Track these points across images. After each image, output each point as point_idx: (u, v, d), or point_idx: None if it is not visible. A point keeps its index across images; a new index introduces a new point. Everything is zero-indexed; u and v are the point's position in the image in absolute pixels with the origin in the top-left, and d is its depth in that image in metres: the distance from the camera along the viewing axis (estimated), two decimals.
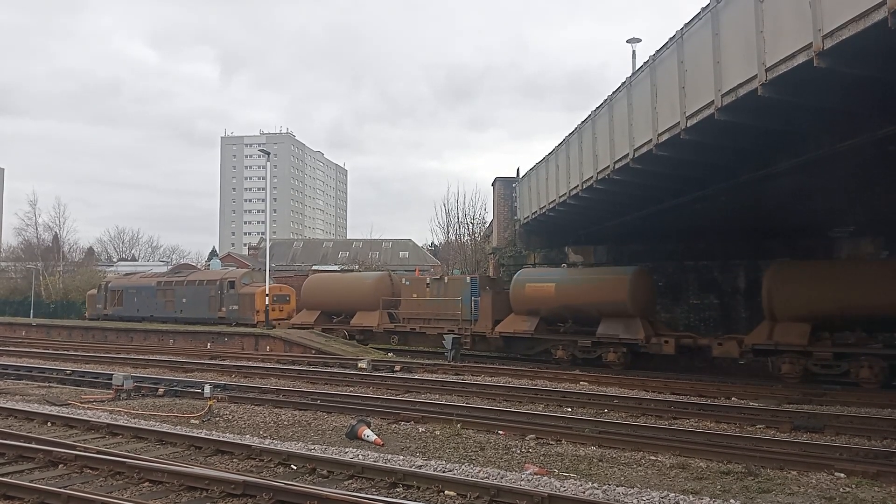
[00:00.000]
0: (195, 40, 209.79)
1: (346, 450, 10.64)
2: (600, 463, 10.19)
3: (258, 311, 33.74)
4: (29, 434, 11.49)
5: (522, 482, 8.61)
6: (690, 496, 8.13)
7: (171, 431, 11.68)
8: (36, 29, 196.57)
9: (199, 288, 36.79)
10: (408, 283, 29.15)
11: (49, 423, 12.94)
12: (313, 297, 32.72)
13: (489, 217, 43.27)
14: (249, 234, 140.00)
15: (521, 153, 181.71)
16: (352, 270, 37.18)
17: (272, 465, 9.64)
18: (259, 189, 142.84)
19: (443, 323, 27.27)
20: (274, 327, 32.21)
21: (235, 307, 34.76)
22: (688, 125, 13.06)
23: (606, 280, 23.97)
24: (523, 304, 25.56)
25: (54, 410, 14.16)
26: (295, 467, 9.48)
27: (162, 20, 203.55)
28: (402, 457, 10.25)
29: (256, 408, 14.71)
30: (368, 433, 11.65)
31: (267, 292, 33.80)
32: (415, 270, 40.18)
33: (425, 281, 28.67)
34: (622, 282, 23.31)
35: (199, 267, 76.64)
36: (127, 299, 40.25)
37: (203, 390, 15.00)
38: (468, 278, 27.95)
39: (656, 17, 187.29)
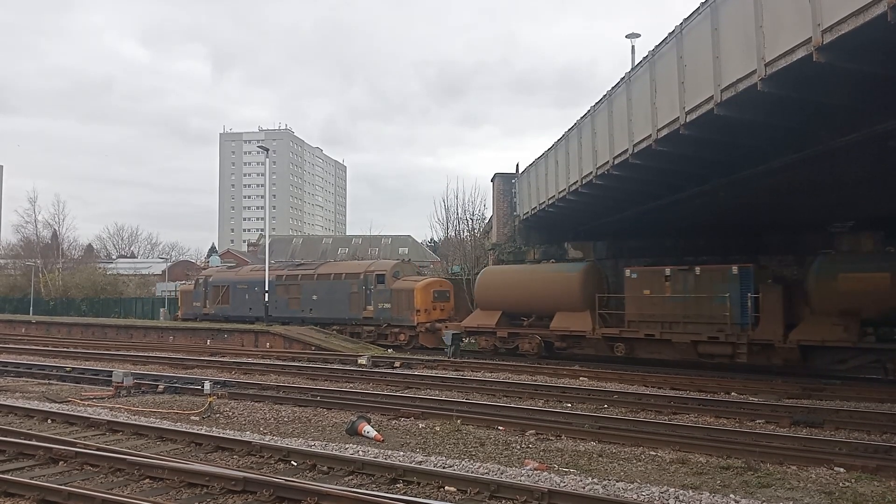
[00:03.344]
0: (186, 38, 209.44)
1: (347, 446, 10.65)
2: (600, 458, 10.21)
3: (418, 311, 28.61)
4: (29, 431, 11.49)
5: (522, 478, 8.62)
6: (690, 491, 8.14)
7: (172, 428, 11.69)
8: (26, 27, 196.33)
9: (336, 283, 31.35)
10: (635, 275, 22.62)
11: (49, 421, 12.95)
12: (492, 295, 27.00)
13: (489, 213, 43.22)
14: (249, 230, 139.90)
15: (515, 149, 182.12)
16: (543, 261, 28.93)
17: (272, 462, 9.65)
18: (258, 185, 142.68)
19: (698, 327, 20.93)
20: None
21: (387, 305, 29.50)
22: (687, 120, 13.03)
23: None
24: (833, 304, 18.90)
25: (54, 407, 14.17)
26: (295, 463, 9.49)
27: (152, 18, 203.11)
28: (402, 453, 10.27)
29: (256, 404, 14.72)
30: (368, 429, 11.67)
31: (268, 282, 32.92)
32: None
33: (664, 273, 22.02)
34: None
35: (198, 264, 76.71)
36: (235, 296, 35.01)
37: (203, 387, 15.03)
38: (735, 268, 20.78)
39: (645, 15, 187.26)
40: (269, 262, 34.69)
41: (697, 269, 21.51)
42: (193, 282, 38.14)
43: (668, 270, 22.03)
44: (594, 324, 23.52)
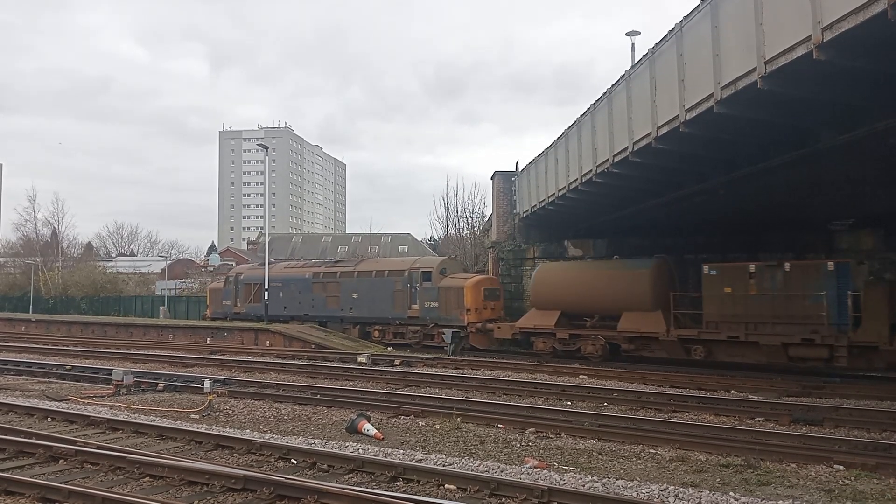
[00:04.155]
0: (184, 37, 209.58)
1: (347, 444, 10.66)
2: (600, 456, 10.22)
3: (468, 310, 26.90)
4: (29, 429, 11.50)
5: (522, 475, 8.63)
6: (690, 489, 8.14)
7: (172, 426, 11.69)
8: (24, 27, 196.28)
9: (379, 281, 29.71)
10: (714, 272, 20.77)
11: (49, 419, 12.96)
12: (549, 294, 25.07)
13: (488, 211, 43.23)
14: (248, 228, 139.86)
15: (513, 148, 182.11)
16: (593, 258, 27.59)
17: (272, 460, 9.65)
18: (258, 184, 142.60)
19: (789, 328, 19.12)
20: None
21: (434, 304, 27.80)
22: (687, 118, 13.03)
23: None
24: None
25: (54, 406, 14.17)
26: (295, 462, 9.50)
27: (150, 17, 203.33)
28: (402, 451, 10.27)
29: (256, 402, 14.72)
30: (368, 427, 11.67)
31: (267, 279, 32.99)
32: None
33: (747, 269, 20.15)
34: None
35: (198, 262, 76.75)
36: (269, 294, 33.66)
37: (203, 385, 15.05)
38: (832, 264, 19.08)
39: (642, 14, 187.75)
40: (306, 260, 33.87)
41: (787, 266, 19.66)
42: (223, 280, 36.81)
43: (752, 267, 20.14)
44: (668, 325, 21.67)
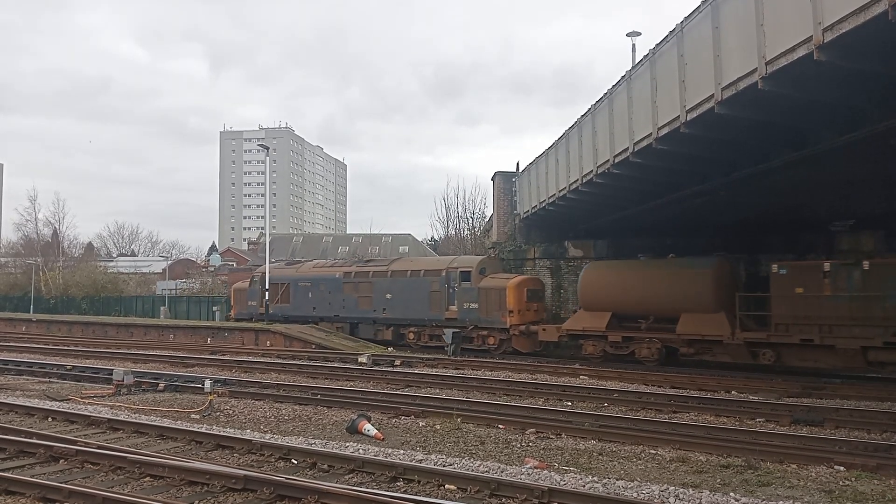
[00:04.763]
0: (183, 37, 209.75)
1: (347, 444, 10.66)
2: (600, 457, 10.22)
3: (511, 312, 25.69)
4: (30, 429, 11.50)
5: (522, 476, 8.63)
6: (690, 490, 8.14)
7: (172, 426, 11.69)
8: (23, 27, 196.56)
9: (414, 281, 28.59)
10: (783, 271, 19.47)
11: (50, 419, 12.96)
12: (600, 294, 23.84)
13: (489, 211, 43.28)
14: (249, 228, 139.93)
15: (513, 148, 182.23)
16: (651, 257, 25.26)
17: (273, 460, 9.66)
18: (258, 184, 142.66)
19: (869, 331, 17.79)
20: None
21: (473, 305, 26.63)
22: (688, 119, 13.03)
23: None
24: None
25: (55, 406, 14.18)
26: (296, 462, 9.50)
27: (149, 18, 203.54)
28: (402, 451, 10.28)
29: (257, 402, 14.73)
30: (369, 427, 11.67)
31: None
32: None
33: (821, 268, 18.86)
34: None
35: (198, 262, 76.75)
36: (297, 295, 32.66)
37: (203, 385, 15.05)
38: None
39: (639, 14, 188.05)
40: (338, 260, 33.30)
41: (866, 264, 18.36)
42: (248, 279, 35.58)
43: (827, 265, 18.87)
44: (732, 327, 20.50)
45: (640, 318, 23.10)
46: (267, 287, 33.04)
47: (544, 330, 25.20)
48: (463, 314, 26.97)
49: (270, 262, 34.65)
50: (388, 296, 29.23)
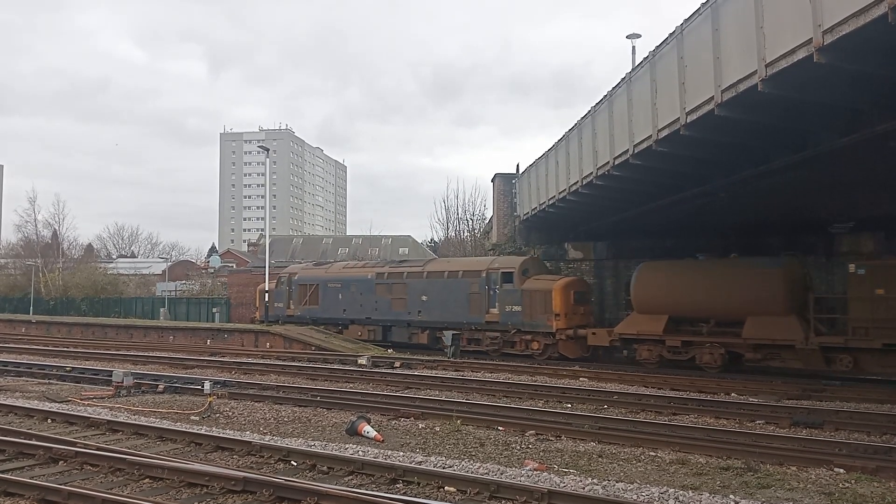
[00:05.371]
0: (182, 38, 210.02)
1: (346, 446, 10.65)
2: (600, 459, 10.21)
3: (557, 316, 24.40)
4: (29, 431, 11.47)
5: (522, 478, 8.62)
6: (690, 492, 8.14)
7: (172, 428, 11.68)
8: (21, 27, 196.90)
9: (452, 282, 27.40)
10: (862, 270, 18.34)
11: (49, 420, 12.94)
12: (656, 296, 22.60)
13: (489, 213, 43.31)
14: (249, 230, 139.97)
15: (511, 149, 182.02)
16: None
17: (272, 462, 9.64)
18: (258, 185, 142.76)
19: None
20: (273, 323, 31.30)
21: (516, 308, 25.39)
22: (687, 121, 13.04)
23: None
24: None
25: (54, 407, 14.16)
26: (295, 463, 9.49)
27: (147, 19, 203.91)
28: (402, 453, 10.26)
29: (256, 404, 14.72)
30: (368, 429, 11.66)
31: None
32: None
33: None
34: None
35: (198, 264, 76.74)
36: (326, 296, 31.42)
37: (203, 387, 15.02)
38: None
39: (637, 15, 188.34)
40: (376, 259, 32.71)
41: None
42: (275, 280, 34.41)
43: None
44: (805, 331, 19.29)
45: (700, 321, 21.91)
46: (267, 289, 33.02)
47: (594, 334, 24.08)
48: (505, 317, 25.73)
49: (299, 263, 33.99)
50: (424, 298, 28.02)
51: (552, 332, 24.53)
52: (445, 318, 27.18)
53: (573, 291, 25.20)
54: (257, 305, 35.44)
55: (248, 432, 11.85)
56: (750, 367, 21.10)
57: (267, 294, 34.12)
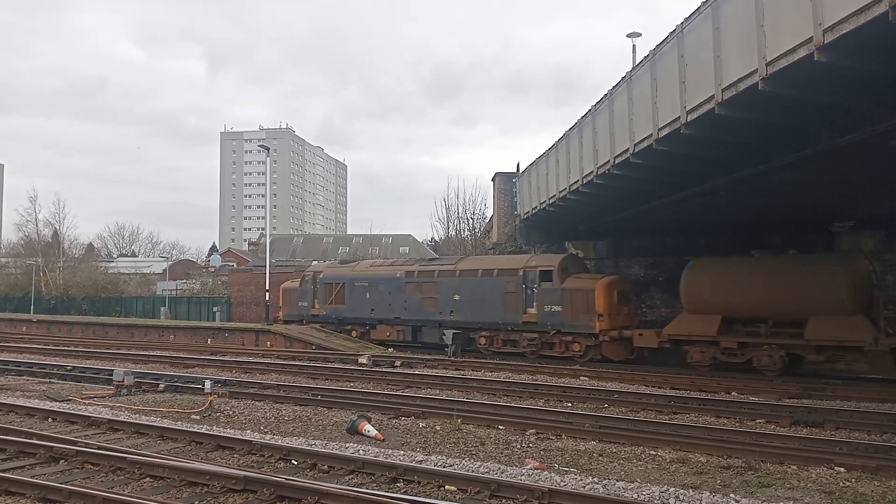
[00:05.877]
0: (181, 37, 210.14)
1: (347, 445, 10.66)
2: (600, 458, 10.22)
3: (601, 316, 23.10)
4: (30, 430, 11.50)
5: (523, 477, 8.63)
6: (690, 491, 8.14)
7: (172, 427, 11.69)
8: (20, 27, 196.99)
9: (486, 281, 26.10)
10: None
11: (50, 419, 12.96)
12: (709, 295, 21.19)
13: (489, 212, 43.29)
14: (249, 229, 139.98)
15: (511, 148, 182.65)
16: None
17: (273, 461, 9.66)
18: (259, 184, 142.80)
19: None
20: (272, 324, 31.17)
21: (556, 308, 24.13)
22: (688, 120, 13.03)
23: None
24: None
25: (55, 406, 14.18)
26: (296, 462, 9.50)
27: (146, 18, 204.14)
28: (402, 452, 10.28)
29: (257, 403, 14.73)
30: (369, 428, 11.67)
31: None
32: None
33: None
34: None
35: (199, 263, 76.77)
36: (353, 296, 30.16)
37: (204, 386, 15.06)
38: None
39: (636, 14, 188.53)
40: (404, 258, 32.34)
41: None
42: (299, 279, 33.52)
43: None
44: (875, 332, 18.04)
45: (756, 321, 20.63)
46: (268, 288, 32.92)
47: (641, 335, 22.61)
48: (543, 317, 24.35)
49: (326, 262, 33.45)
50: (457, 297, 26.75)
51: (595, 334, 23.28)
52: (479, 319, 26.03)
53: (617, 290, 23.95)
54: (281, 305, 34.33)
55: (248, 431, 11.87)
56: (814, 371, 19.95)
57: (296, 292, 32.84)
